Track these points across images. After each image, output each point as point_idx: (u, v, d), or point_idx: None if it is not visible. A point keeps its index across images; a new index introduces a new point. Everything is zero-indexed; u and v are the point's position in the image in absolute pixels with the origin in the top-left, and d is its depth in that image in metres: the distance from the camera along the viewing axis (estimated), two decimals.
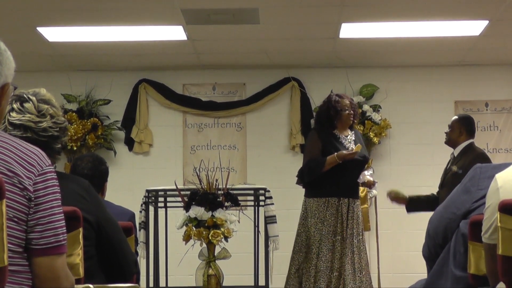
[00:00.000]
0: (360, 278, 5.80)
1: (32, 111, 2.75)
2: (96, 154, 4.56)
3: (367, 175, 5.97)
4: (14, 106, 2.74)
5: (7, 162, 2.11)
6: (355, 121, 6.13)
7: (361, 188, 6.14)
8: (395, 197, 6.13)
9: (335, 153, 5.77)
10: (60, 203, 2.20)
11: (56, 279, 2.17)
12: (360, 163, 5.97)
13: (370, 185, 6.13)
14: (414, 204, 6.13)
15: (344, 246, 5.78)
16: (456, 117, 6.36)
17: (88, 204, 2.91)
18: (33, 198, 2.12)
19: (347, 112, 5.96)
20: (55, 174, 2.22)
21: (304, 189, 6.08)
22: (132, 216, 4.25)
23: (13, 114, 2.73)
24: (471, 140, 6.19)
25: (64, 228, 2.20)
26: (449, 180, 6.00)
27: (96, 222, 2.95)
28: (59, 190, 2.21)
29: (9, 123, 2.72)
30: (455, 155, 6.17)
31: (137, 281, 3.43)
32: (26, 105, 2.75)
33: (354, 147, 5.92)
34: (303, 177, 5.93)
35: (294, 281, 5.85)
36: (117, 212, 3.91)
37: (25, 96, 2.76)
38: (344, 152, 5.80)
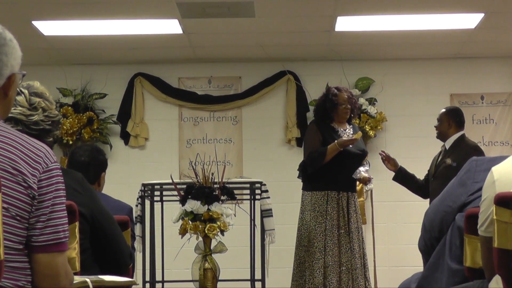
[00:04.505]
0: (366, 273, 5.85)
1: (23, 104, 2.72)
2: (96, 145, 4.54)
3: (362, 171, 5.98)
4: None
5: (11, 160, 2.08)
6: (353, 115, 6.13)
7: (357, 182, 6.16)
8: (388, 159, 6.22)
9: (335, 141, 5.79)
10: (63, 201, 2.17)
11: (56, 277, 2.15)
12: (358, 157, 5.98)
13: (365, 181, 6.15)
14: (402, 176, 6.33)
15: (350, 241, 5.79)
16: (443, 109, 6.37)
17: (81, 197, 2.90)
18: (36, 196, 2.10)
19: (343, 106, 5.97)
20: (60, 171, 2.19)
21: (301, 183, 6.09)
22: (130, 210, 4.22)
23: None
24: (462, 132, 6.21)
25: (66, 225, 2.17)
26: (442, 173, 6.02)
27: (90, 215, 2.95)
28: (63, 188, 2.18)
29: None
30: (447, 148, 6.19)
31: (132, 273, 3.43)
32: (18, 98, 2.72)
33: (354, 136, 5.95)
34: (306, 169, 5.92)
35: (296, 276, 5.87)
36: (115, 206, 3.89)
37: (17, 89, 2.74)
38: (344, 138, 5.83)
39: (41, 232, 2.11)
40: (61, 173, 2.20)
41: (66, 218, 2.18)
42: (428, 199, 6.21)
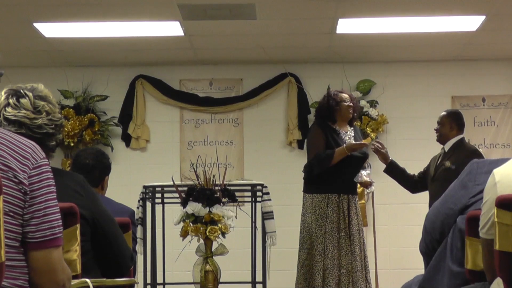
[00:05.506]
0: (367, 275, 5.86)
1: (28, 107, 2.71)
2: (99, 148, 4.58)
3: (364, 175, 5.98)
4: (10, 101, 2.70)
5: (1, 156, 2.10)
6: (355, 114, 6.14)
7: (358, 184, 6.16)
8: (379, 150, 6.22)
9: (344, 145, 5.80)
10: (55, 196, 2.20)
11: (53, 272, 2.16)
12: (360, 160, 5.99)
13: (367, 185, 6.16)
14: (393, 168, 6.36)
15: (350, 243, 5.79)
16: (444, 112, 6.39)
17: (83, 199, 2.90)
18: (28, 192, 2.12)
19: (346, 103, 5.99)
20: (49, 167, 2.21)
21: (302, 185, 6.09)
22: (132, 214, 4.24)
23: (9, 109, 2.70)
24: (462, 135, 6.25)
25: (60, 221, 2.20)
26: (441, 175, 6.04)
27: (92, 218, 2.95)
28: (53, 183, 2.20)
29: (4, 118, 2.69)
30: (446, 150, 6.21)
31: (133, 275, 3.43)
32: (22, 100, 2.71)
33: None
34: (312, 170, 5.91)
35: (300, 278, 5.89)
36: (117, 209, 3.91)
37: (21, 91, 2.73)
38: (353, 142, 5.84)
39: (37, 228, 2.12)
40: (50, 168, 2.22)
41: (59, 213, 2.19)
42: (428, 202, 6.22)
